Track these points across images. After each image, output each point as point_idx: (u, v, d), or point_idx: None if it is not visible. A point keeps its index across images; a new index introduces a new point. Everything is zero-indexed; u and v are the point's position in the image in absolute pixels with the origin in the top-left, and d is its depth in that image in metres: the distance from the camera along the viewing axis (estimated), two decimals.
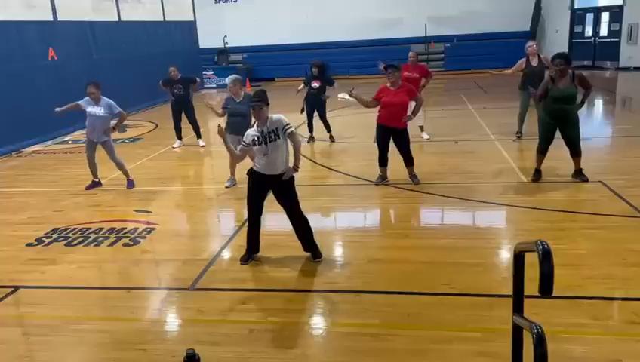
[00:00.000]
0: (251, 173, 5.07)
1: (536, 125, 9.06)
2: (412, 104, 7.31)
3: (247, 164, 7.50)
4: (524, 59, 9.35)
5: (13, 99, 10.77)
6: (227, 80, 7.61)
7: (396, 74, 7.04)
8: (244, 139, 5.02)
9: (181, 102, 10.41)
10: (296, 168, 5.04)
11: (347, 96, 7.52)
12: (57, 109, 7.79)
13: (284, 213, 5.14)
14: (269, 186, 5.06)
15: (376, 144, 7.38)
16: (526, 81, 9.18)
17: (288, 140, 4.99)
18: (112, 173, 8.34)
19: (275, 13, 22.34)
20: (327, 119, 10.29)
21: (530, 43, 9.52)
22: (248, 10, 22.59)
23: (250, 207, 5.14)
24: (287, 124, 4.92)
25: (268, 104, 4.92)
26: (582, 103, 6.89)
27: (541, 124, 7.14)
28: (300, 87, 10.22)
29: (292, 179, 5.06)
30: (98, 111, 7.50)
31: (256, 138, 4.89)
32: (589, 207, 6.20)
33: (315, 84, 9.95)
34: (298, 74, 17.53)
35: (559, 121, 6.80)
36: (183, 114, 10.53)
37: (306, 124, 10.27)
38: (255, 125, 4.97)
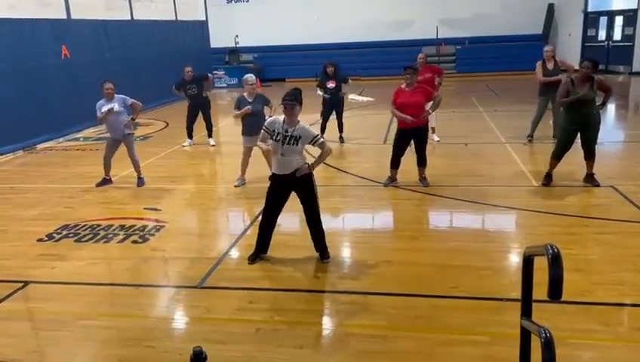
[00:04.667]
0: (271, 176, 5.09)
1: (548, 129, 9.04)
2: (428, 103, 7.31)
3: (254, 164, 7.57)
4: (540, 62, 9.36)
5: (26, 97, 10.86)
6: (247, 77, 7.65)
7: (414, 76, 7.05)
8: (266, 125, 4.99)
9: (197, 101, 10.47)
10: (311, 167, 5.00)
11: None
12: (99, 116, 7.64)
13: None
14: (288, 187, 5.04)
15: (390, 145, 7.37)
16: (543, 85, 9.19)
17: (304, 149, 4.97)
18: (122, 171, 8.39)
19: (286, 13, 22.40)
20: (343, 119, 10.32)
21: (547, 47, 9.54)
22: (260, 10, 22.66)
23: (266, 207, 5.15)
24: (317, 136, 4.91)
25: (301, 103, 4.87)
26: (603, 104, 6.89)
27: (561, 131, 7.10)
28: (321, 93, 10.13)
29: (311, 180, 5.03)
30: (113, 107, 7.55)
31: (277, 133, 4.85)
32: (600, 212, 6.16)
33: (331, 84, 9.97)
34: (309, 74, 17.57)
35: (581, 125, 6.75)
36: (198, 114, 10.59)
37: (319, 124, 10.26)
38: (283, 119, 4.90)
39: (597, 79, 6.74)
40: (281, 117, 4.94)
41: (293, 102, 4.78)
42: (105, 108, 7.53)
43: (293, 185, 5.00)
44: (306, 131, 4.87)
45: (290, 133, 4.82)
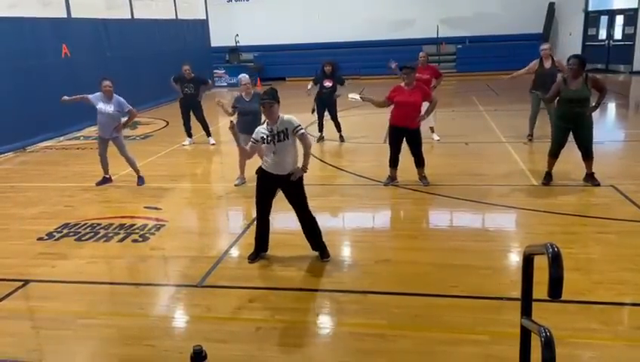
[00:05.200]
0: (260, 172, 5.08)
1: (548, 128, 9.02)
2: (425, 104, 7.30)
3: (256, 162, 7.56)
4: (537, 61, 9.33)
5: (26, 96, 10.86)
6: (241, 77, 7.67)
7: (411, 75, 7.05)
8: (253, 136, 5.01)
9: (190, 101, 10.45)
10: (304, 169, 5.03)
11: (357, 97, 7.52)
12: (65, 98, 7.75)
13: (293, 211, 5.15)
14: (277, 185, 5.07)
15: (387, 144, 7.38)
16: (537, 82, 9.16)
17: (297, 141, 4.99)
18: (122, 170, 8.39)
19: (286, 12, 22.40)
20: (339, 119, 10.29)
21: (544, 45, 9.52)
22: (260, 9, 22.66)
23: (258, 206, 5.15)
24: (298, 126, 4.90)
25: (278, 102, 4.89)
26: (596, 106, 6.82)
27: (555, 128, 7.11)
28: (309, 87, 10.16)
29: (301, 178, 5.05)
30: (108, 108, 7.55)
31: (265, 136, 4.88)
32: (601, 211, 6.16)
33: (328, 83, 9.91)
34: (309, 73, 17.44)
35: (573, 124, 6.75)
36: (190, 112, 10.58)
37: (317, 124, 10.27)
38: (265, 123, 4.96)
39: (591, 76, 6.72)
40: (261, 127, 4.99)
41: (271, 100, 4.80)
42: (99, 107, 7.56)
43: (282, 183, 5.02)
44: (289, 122, 4.87)
45: (276, 131, 4.84)
